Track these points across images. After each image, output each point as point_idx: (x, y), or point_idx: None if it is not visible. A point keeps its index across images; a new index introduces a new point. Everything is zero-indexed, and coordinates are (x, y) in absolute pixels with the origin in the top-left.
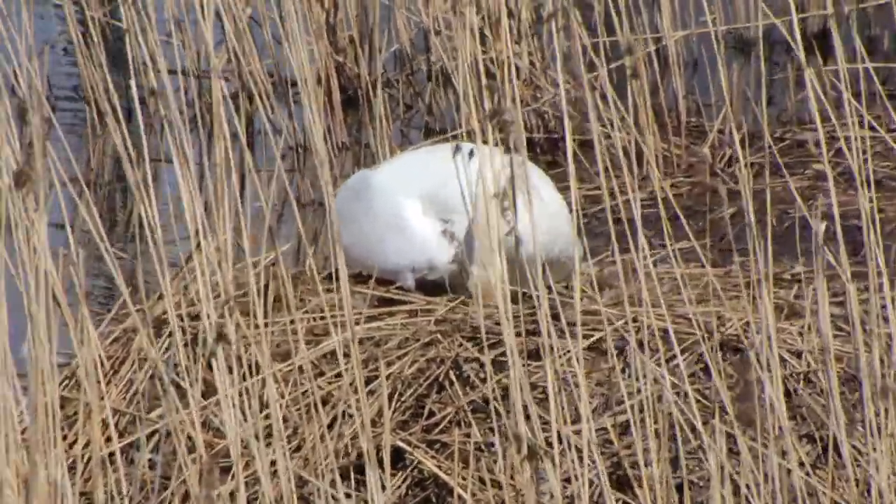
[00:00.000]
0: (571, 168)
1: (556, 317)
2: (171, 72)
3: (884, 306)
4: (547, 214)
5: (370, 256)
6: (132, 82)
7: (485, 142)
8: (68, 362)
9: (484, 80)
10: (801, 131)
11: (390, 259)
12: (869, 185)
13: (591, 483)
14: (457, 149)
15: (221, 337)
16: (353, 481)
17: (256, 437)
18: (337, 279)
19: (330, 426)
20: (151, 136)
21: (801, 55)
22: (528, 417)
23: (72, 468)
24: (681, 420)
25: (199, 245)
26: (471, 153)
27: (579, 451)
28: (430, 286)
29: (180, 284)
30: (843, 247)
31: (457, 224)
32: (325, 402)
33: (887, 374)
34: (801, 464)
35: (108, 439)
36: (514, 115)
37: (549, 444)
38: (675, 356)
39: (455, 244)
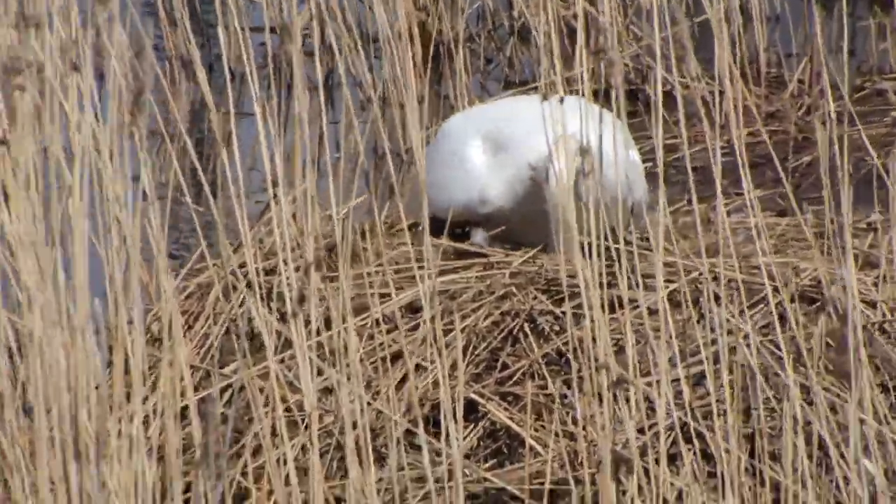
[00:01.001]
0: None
1: (632, 268)
2: (254, 29)
3: None
4: (624, 161)
5: (436, 198)
6: (218, 35)
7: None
8: (143, 318)
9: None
10: (880, 80)
11: (449, 196)
12: None
13: (664, 432)
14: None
15: (301, 299)
16: (426, 434)
17: (327, 390)
18: (417, 230)
19: (404, 379)
20: (232, 90)
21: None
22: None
23: (146, 422)
24: (755, 370)
25: (275, 197)
26: (561, 100)
27: (650, 402)
28: (502, 241)
29: (257, 237)
30: None
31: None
32: (399, 356)
33: None
34: (877, 413)
35: (183, 394)
36: (616, 56)
37: (627, 398)
38: (750, 307)
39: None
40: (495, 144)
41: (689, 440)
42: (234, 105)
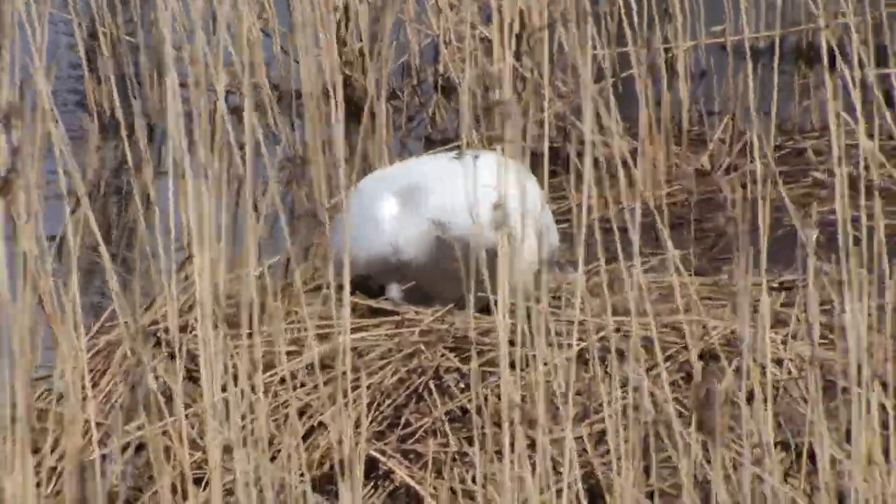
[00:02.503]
0: (588, 174)
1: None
2: (182, 85)
3: (871, 314)
4: (539, 222)
5: (351, 255)
6: (139, 94)
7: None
8: (49, 374)
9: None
10: (801, 139)
11: (364, 252)
12: (868, 194)
13: (563, 491)
14: (459, 154)
15: (206, 355)
16: (326, 493)
17: (228, 448)
18: (329, 289)
19: (307, 436)
20: (153, 149)
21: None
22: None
23: (43, 482)
24: (657, 428)
25: (190, 256)
26: (476, 157)
27: (555, 460)
28: (417, 297)
29: (170, 296)
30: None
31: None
32: (303, 413)
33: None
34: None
35: (84, 450)
36: (512, 108)
37: (529, 456)
38: (657, 365)
39: (420, 258)
40: (406, 199)
41: (592, 498)
42: (155, 163)
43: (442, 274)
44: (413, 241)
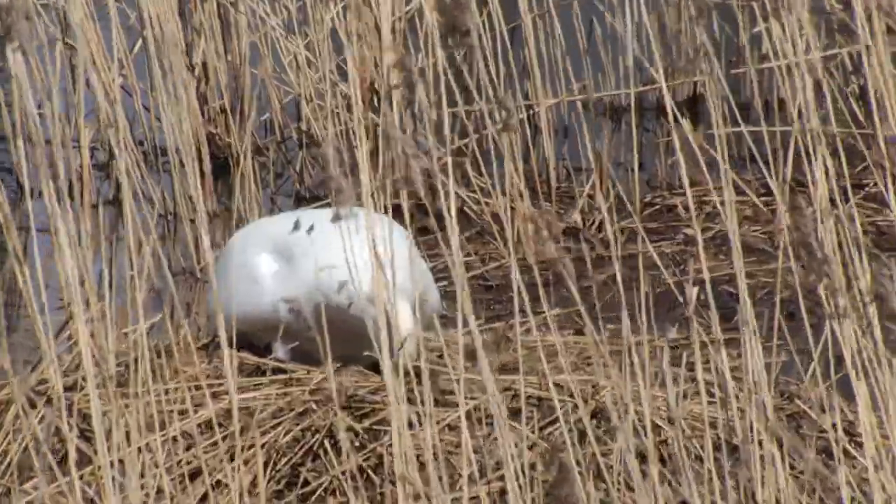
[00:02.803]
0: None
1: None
2: (47, 142)
3: (755, 370)
4: (418, 279)
5: (230, 312)
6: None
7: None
8: None
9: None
10: (670, 196)
11: (242, 310)
12: (742, 250)
13: None
14: (296, 223)
15: (101, 414)
16: None
17: None
18: (214, 348)
19: (205, 497)
20: (21, 206)
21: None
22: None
23: None
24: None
25: (72, 315)
26: (310, 228)
27: None
28: (303, 356)
29: (55, 354)
30: (715, 312)
31: (304, 285)
32: (199, 472)
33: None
34: None
35: None
36: (343, 184)
37: None
38: (549, 423)
39: (301, 319)
40: (284, 256)
41: None
42: (24, 221)
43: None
44: (293, 299)
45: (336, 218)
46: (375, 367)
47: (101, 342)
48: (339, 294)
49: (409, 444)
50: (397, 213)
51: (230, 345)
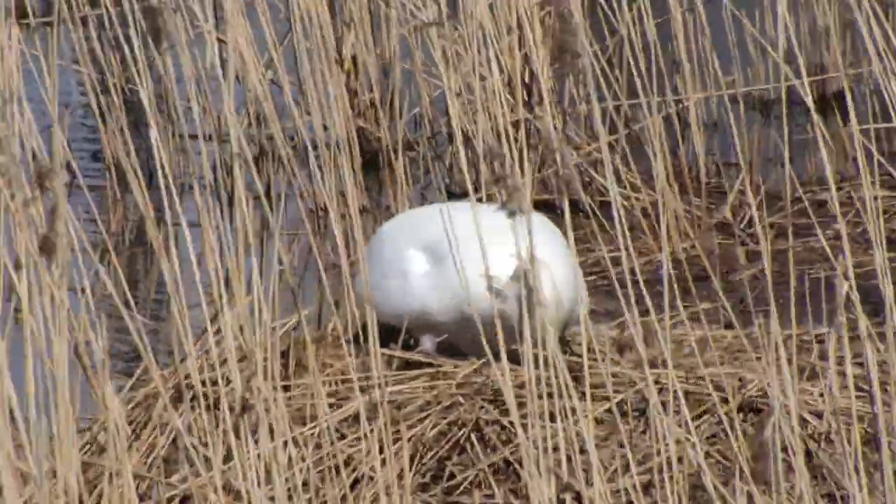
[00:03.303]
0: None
1: (576, 379)
2: (192, 136)
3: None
4: (564, 278)
5: (379, 307)
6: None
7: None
8: (90, 427)
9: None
10: (820, 191)
11: (392, 306)
12: (887, 245)
13: None
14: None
15: (245, 408)
16: None
17: (276, 501)
18: (362, 341)
19: (352, 488)
20: (173, 200)
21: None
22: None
23: None
24: (701, 480)
25: (220, 309)
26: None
27: None
28: (450, 349)
29: (202, 349)
30: (861, 307)
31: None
32: (346, 465)
33: None
34: None
35: (129, 503)
36: (518, 181)
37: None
38: (696, 417)
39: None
40: (435, 255)
41: None
42: (176, 216)
43: (472, 333)
44: (445, 301)
45: (511, 214)
46: (519, 361)
47: (249, 336)
48: (489, 299)
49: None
50: (548, 208)
51: (377, 338)
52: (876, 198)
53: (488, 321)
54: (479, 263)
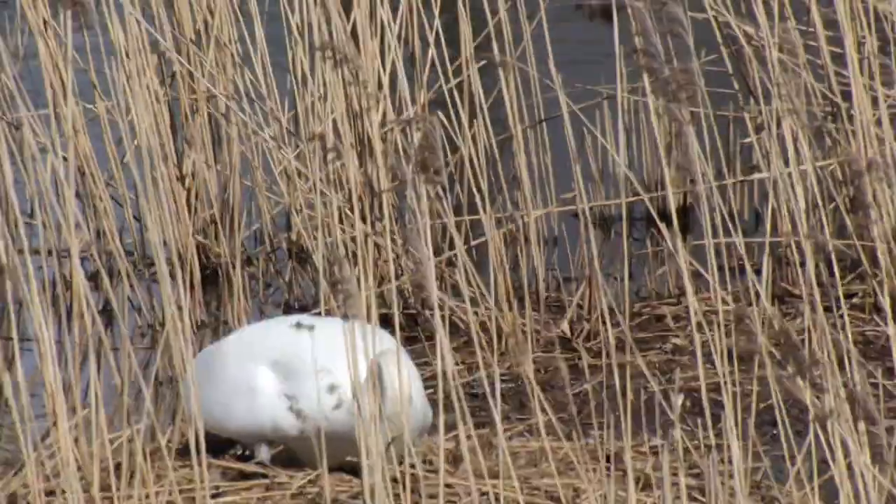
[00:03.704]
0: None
1: (413, 490)
2: (33, 251)
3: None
4: (411, 390)
5: (222, 422)
6: None
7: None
8: None
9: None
10: (659, 305)
11: (236, 421)
12: (729, 359)
13: None
14: (298, 324)
15: None
16: None
17: None
18: (197, 452)
19: None
20: (9, 316)
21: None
22: None
23: None
24: None
25: (55, 423)
26: (311, 327)
27: None
28: (285, 460)
29: (38, 460)
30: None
31: (303, 396)
32: None
33: None
34: None
35: None
36: (353, 288)
37: None
38: None
39: (302, 419)
40: (286, 372)
41: None
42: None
43: (336, 445)
44: (297, 418)
45: (346, 318)
46: (355, 472)
47: (85, 448)
48: (333, 402)
49: None
50: (387, 323)
51: (209, 450)
52: (715, 312)
53: (338, 434)
54: (333, 377)
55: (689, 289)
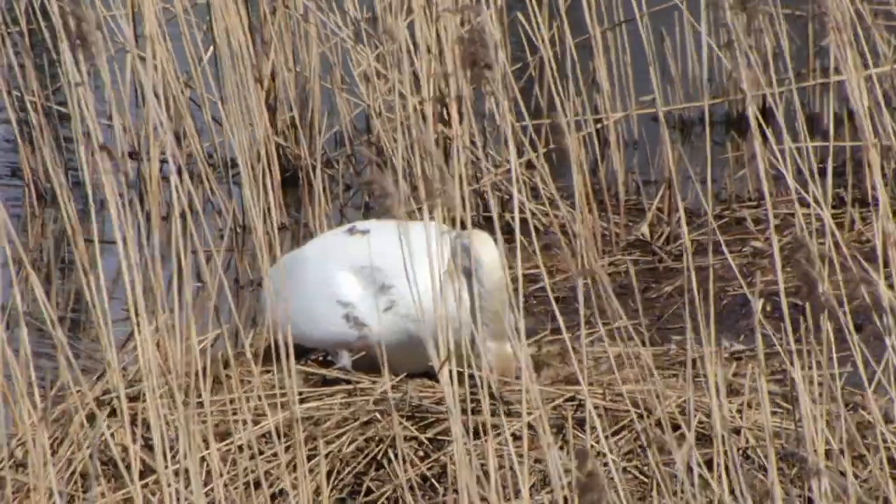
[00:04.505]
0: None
1: (494, 395)
2: (114, 154)
3: (821, 383)
4: (488, 292)
5: (304, 326)
6: (74, 164)
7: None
8: (8, 442)
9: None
10: (739, 208)
11: (321, 328)
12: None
13: None
14: (352, 228)
15: (164, 424)
16: None
17: None
18: (277, 359)
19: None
20: (90, 218)
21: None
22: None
23: None
24: (619, 497)
25: (138, 326)
26: (365, 232)
27: None
28: (366, 366)
29: (120, 365)
30: (783, 324)
31: (396, 296)
32: (264, 481)
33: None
34: None
35: None
36: (452, 190)
37: None
38: (614, 433)
39: (360, 327)
40: (370, 279)
41: None
42: (94, 234)
43: (404, 352)
44: (381, 328)
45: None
46: (436, 378)
47: (167, 353)
48: (384, 305)
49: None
50: (463, 226)
51: (294, 355)
52: (793, 215)
53: (396, 340)
54: (420, 282)
55: (768, 192)
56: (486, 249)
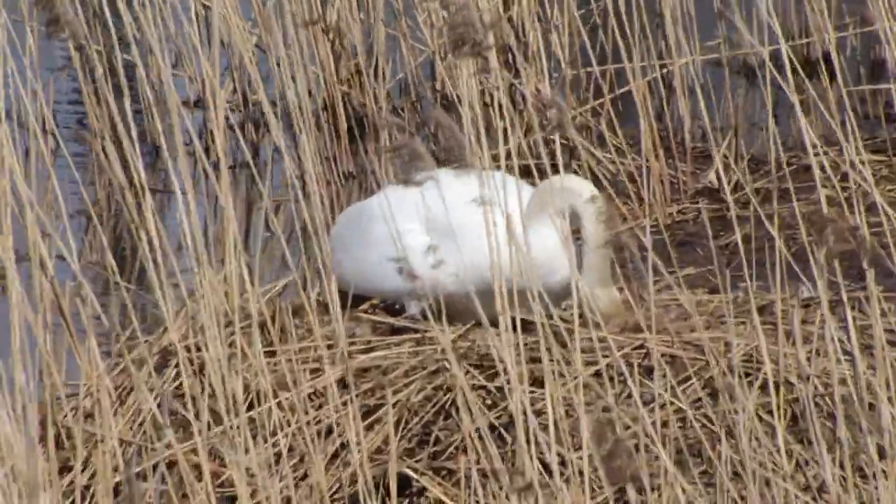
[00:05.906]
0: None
1: (563, 344)
2: (180, 103)
3: (888, 330)
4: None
5: (372, 278)
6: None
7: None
8: (76, 393)
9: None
10: (805, 156)
11: (389, 280)
12: (874, 210)
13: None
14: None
15: (231, 373)
16: None
17: (261, 467)
18: (340, 307)
19: (337, 454)
20: (157, 167)
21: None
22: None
23: (79, 498)
24: (686, 445)
25: (204, 276)
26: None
27: (582, 475)
28: (436, 314)
29: (187, 315)
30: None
31: (465, 246)
32: (331, 431)
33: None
34: (807, 488)
35: (115, 469)
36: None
37: (556, 468)
38: (681, 381)
39: (409, 279)
40: (437, 232)
41: None
42: (159, 183)
43: (470, 303)
44: (451, 281)
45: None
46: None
47: (234, 303)
48: (431, 262)
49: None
50: (527, 173)
51: (356, 304)
52: (863, 162)
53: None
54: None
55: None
56: (586, 189)
